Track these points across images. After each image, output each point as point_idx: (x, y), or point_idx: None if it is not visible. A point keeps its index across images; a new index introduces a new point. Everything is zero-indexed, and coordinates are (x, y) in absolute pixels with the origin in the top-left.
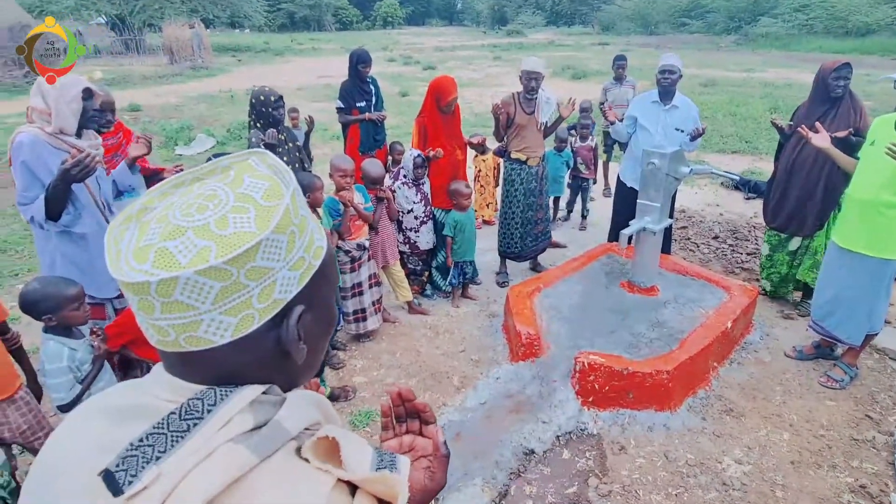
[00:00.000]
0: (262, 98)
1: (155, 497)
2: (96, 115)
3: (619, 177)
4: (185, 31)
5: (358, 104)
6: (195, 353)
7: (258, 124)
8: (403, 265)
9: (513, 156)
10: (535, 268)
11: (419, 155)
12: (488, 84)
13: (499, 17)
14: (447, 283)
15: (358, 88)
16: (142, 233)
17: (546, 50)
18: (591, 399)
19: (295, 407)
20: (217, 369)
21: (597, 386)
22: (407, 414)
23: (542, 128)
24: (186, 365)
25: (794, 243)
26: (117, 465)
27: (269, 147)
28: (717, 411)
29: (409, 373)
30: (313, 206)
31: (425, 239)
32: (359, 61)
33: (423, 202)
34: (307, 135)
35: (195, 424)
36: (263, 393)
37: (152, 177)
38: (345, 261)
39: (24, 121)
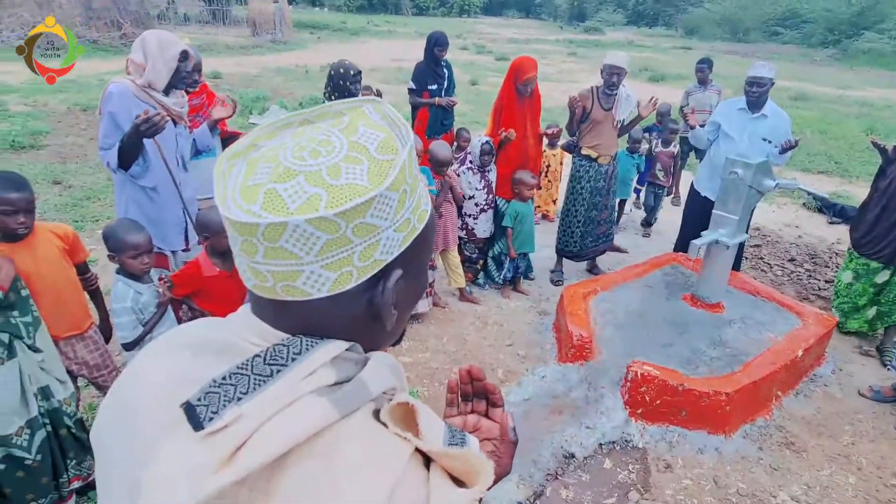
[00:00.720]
0: (341, 71)
1: (235, 437)
2: (186, 76)
3: (692, 185)
4: (269, 6)
5: (430, 87)
6: (288, 302)
7: (333, 97)
8: (459, 252)
9: (583, 152)
10: (593, 270)
11: (487, 141)
12: (561, 80)
13: (577, 13)
14: (500, 275)
15: (432, 71)
16: (250, 170)
17: (624, 49)
18: (639, 411)
19: (376, 369)
20: (306, 321)
21: (647, 398)
22: (474, 394)
23: (619, 125)
24: (277, 313)
25: (883, 275)
26: (199, 399)
27: None
28: (775, 443)
29: (454, 359)
30: None
31: (483, 227)
32: (436, 44)
33: (485, 189)
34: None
35: (279, 371)
36: (347, 350)
37: (229, 139)
38: None
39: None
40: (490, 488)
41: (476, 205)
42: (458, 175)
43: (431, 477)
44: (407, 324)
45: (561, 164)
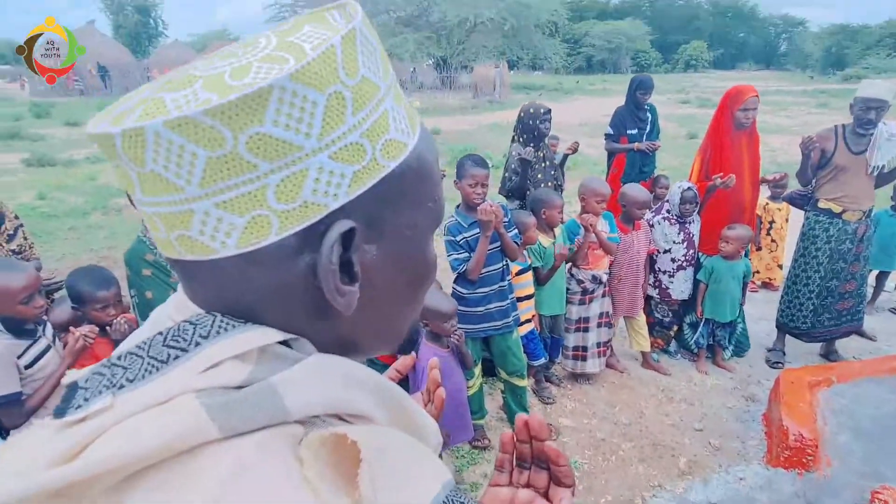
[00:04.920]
0: (531, 111)
1: (90, 433)
2: None
3: None
4: (491, 70)
5: (629, 131)
6: (195, 265)
7: (521, 138)
8: (648, 312)
9: (821, 205)
10: (829, 355)
11: (690, 188)
12: (801, 132)
13: (834, 60)
14: (693, 338)
15: (632, 115)
16: (149, 86)
17: None
18: None
19: (311, 374)
20: (221, 294)
21: None
22: (534, 458)
23: (875, 173)
24: (189, 281)
25: None
26: (85, 381)
27: (524, 163)
28: None
29: (624, 433)
30: (550, 224)
31: (680, 287)
32: (638, 87)
33: (685, 243)
34: (566, 156)
35: (176, 357)
36: (280, 343)
37: None
38: (575, 290)
39: None
40: None
41: (672, 260)
42: (652, 225)
43: None
44: (410, 328)
45: (787, 220)
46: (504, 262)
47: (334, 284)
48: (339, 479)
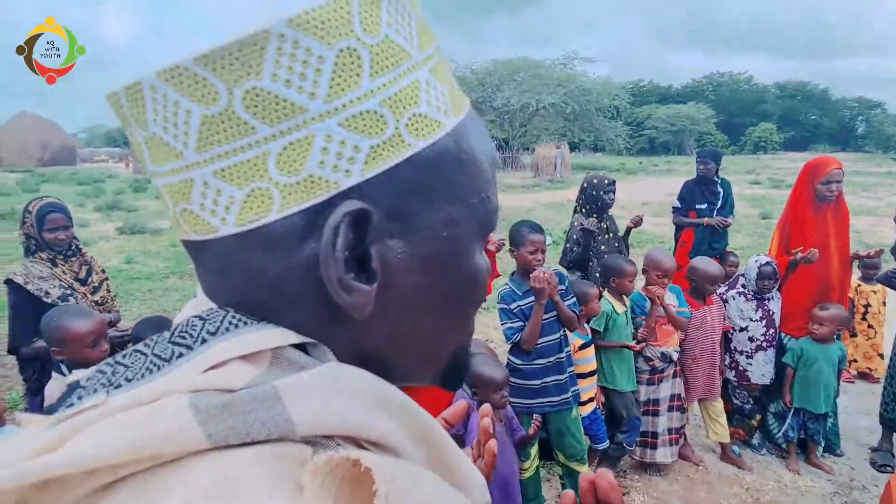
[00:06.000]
0: (594, 181)
1: (72, 428)
2: None
3: None
4: (552, 150)
5: (698, 205)
6: (202, 248)
7: (584, 209)
8: (726, 398)
9: None
10: None
11: (769, 262)
12: (888, 213)
13: None
14: (781, 430)
15: (702, 188)
16: None
17: None
18: None
19: (330, 384)
20: (228, 283)
21: None
22: None
23: None
24: (199, 268)
25: None
26: (87, 379)
27: (587, 233)
28: None
29: None
30: (620, 292)
31: (760, 370)
32: (707, 158)
33: (764, 322)
34: (629, 229)
35: (180, 356)
36: (293, 346)
37: None
38: (643, 369)
39: None
40: None
41: (750, 339)
42: (726, 301)
43: None
44: (458, 357)
45: (884, 303)
46: (562, 333)
47: (337, 277)
48: None
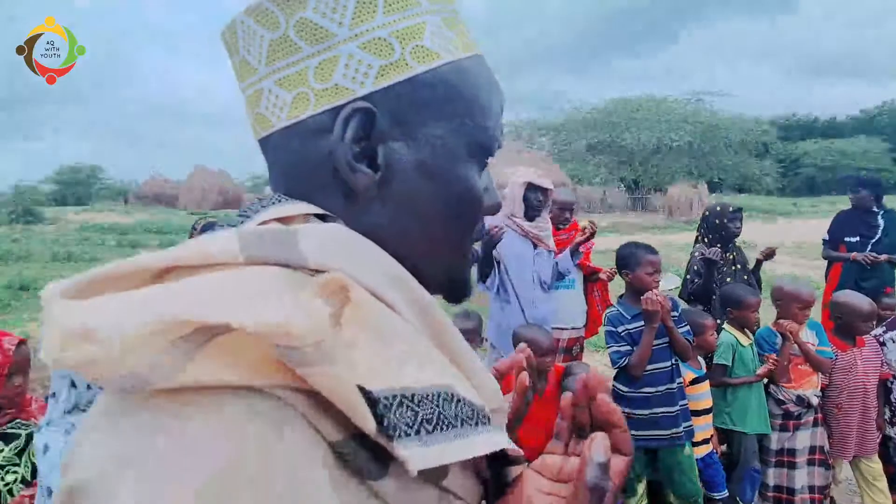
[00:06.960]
0: (717, 209)
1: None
2: (538, 204)
3: None
4: (688, 191)
5: (848, 238)
6: (266, 144)
7: (706, 239)
8: (887, 458)
9: None
10: None
11: None
12: None
13: None
14: None
15: (855, 220)
16: None
17: None
18: None
19: (337, 236)
20: (279, 170)
21: None
22: (593, 424)
23: None
24: (268, 163)
25: None
26: None
27: (709, 264)
28: None
29: None
30: (742, 324)
31: None
32: (862, 186)
33: None
34: (759, 262)
35: (242, 222)
36: (314, 216)
37: (590, 275)
38: (776, 413)
39: None
40: None
41: None
42: (884, 344)
43: None
44: (458, 275)
45: None
46: (673, 362)
47: (346, 159)
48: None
